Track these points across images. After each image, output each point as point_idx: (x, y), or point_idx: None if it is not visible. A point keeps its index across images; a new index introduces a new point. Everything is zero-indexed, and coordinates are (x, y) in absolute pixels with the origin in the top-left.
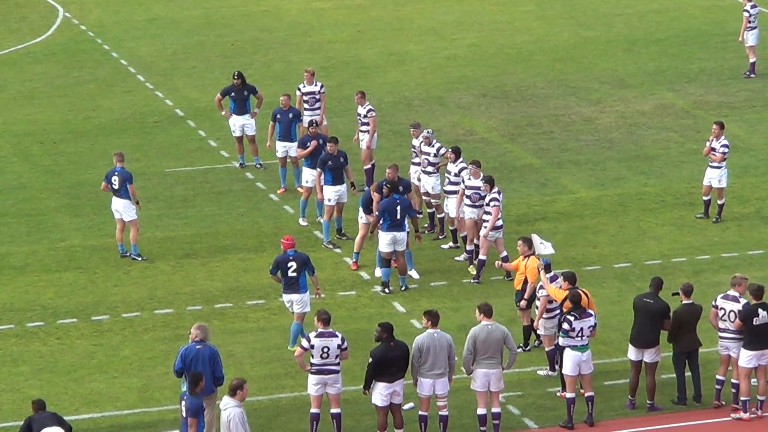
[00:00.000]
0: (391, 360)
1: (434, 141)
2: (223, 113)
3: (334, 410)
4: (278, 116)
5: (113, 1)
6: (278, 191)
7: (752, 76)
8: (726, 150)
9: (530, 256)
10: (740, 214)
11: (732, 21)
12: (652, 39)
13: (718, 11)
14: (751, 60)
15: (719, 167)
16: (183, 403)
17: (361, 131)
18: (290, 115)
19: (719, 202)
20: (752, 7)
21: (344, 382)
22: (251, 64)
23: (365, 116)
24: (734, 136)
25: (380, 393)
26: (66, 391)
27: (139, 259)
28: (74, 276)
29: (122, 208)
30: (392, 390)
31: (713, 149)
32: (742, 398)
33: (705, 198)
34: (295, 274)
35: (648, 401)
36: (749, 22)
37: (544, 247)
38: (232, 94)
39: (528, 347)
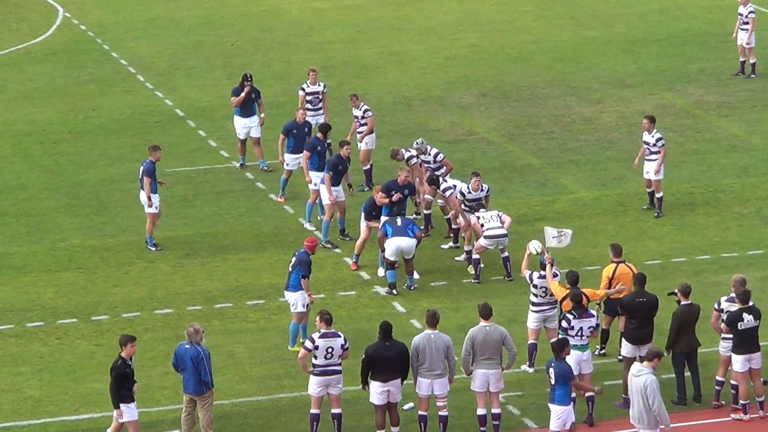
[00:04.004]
0: (384, 359)
1: (429, 148)
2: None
3: (334, 410)
4: (294, 131)
5: (113, 1)
6: (279, 199)
7: (753, 76)
8: (663, 143)
9: (620, 263)
10: (740, 214)
11: (732, 21)
12: (652, 39)
13: (719, 11)
14: (752, 61)
15: (655, 160)
16: (551, 370)
17: (359, 132)
18: (306, 129)
19: (657, 195)
20: (745, 8)
21: (344, 382)
22: (251, 64)
23: (363, 117)
24: (734, 136)
25: (375, 392)
26: (66, 391)
27: (153, 249)
28: (74, 276)
29: (142, 199)
30: (387, 389)
31: (646, 143)
32: (741, 401)
33: (648, 190)
34: (290, 270)
35: None
36: (743, 23)
37: (557, 241)
38: (242, 95)
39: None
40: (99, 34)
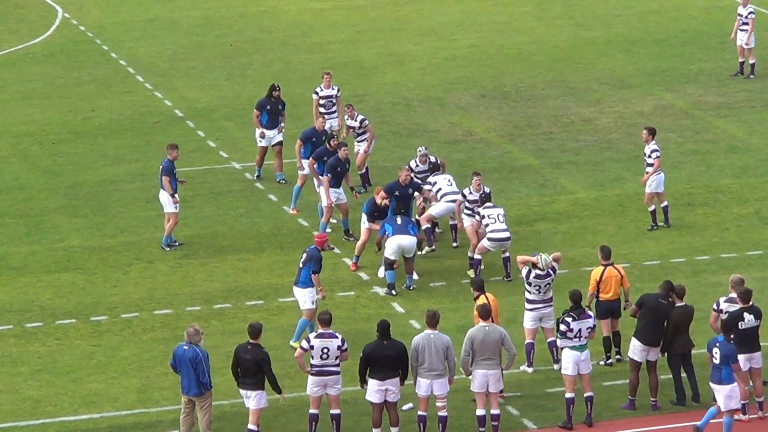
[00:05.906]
0: (381, 358)
1: (429, 159)
2: (259, 132)
3: (333, 411)
4: (313, 139)
5: (112, 1)
6: (292, 211)
7: (752, 76)
8: (658, 155)
9: (608, 265)
10: (739, 215)
11: (731, 22)
12: (652, 39)
13: (718, 12)
14: (751, 61)
15: (656, 173)
16: (715, 350)
17: (357, 141)
18: (324, 138)
19: (662, 205)
20: (744, 8)
21: (344, 383)
22: (250, 65)
23: (360, 127)
24: (733, 137)
25: (372, 390)
26: (65, 392)
27: (168, 249)
28: (73, 276)
29: (161, 198)
30: (384, 388)
31: (645, 155)
32: (740, 401)
33: (650, 209)
34: (300, 266)
35: (651, 399)
36: (743, 23)
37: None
38: (268, 107)
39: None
40: (98, 35)
